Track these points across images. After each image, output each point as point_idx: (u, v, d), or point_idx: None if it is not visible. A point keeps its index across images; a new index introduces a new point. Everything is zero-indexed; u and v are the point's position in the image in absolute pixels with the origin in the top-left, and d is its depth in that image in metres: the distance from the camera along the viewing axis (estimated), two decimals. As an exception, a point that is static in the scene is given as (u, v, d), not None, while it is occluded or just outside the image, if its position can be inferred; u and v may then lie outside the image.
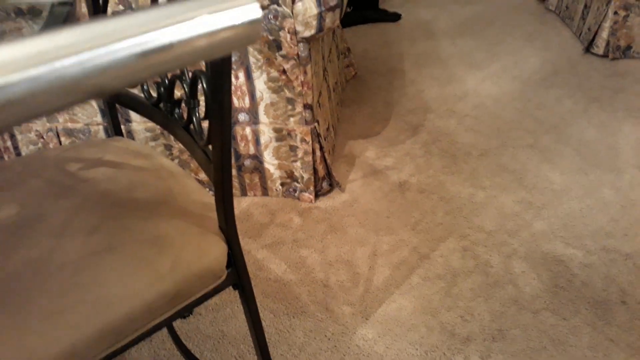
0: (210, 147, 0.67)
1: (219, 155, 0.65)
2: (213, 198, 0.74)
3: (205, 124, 0.64)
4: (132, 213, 0.72)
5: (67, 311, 0.62)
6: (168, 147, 1.61)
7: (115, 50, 0.16)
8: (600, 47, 2.35)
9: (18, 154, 1.69)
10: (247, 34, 0.18)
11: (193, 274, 0.69)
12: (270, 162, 1.62)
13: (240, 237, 1.54)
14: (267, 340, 1.25)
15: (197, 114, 0.72)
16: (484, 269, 1.40)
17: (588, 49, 2.41)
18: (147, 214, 0.72)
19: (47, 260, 0.66)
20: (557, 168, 1.72)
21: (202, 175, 1.66)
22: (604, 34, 2.32)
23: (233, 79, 1.45)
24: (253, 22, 0.18)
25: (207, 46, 0.17)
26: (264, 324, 1.30)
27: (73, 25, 0.16)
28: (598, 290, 1.32)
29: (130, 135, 1.60)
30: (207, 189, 1.61)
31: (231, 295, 1.39)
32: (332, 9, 1.31)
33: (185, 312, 0.74)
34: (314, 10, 1.28)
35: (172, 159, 1.62)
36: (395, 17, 3.00)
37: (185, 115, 0.74)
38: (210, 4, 0.17)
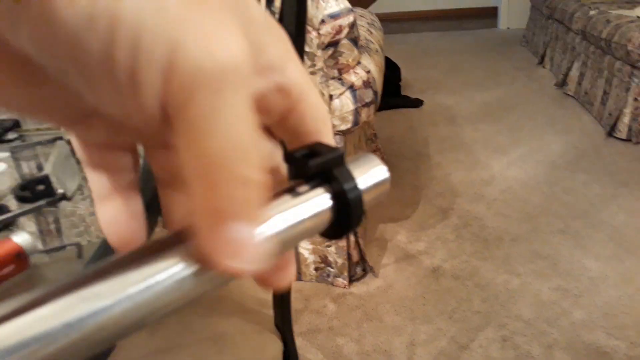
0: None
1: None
2: (267, 294, 0.76)
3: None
4: (192, 310, 0.74)
5: (132, 412, 0.63)
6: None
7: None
8: (623, 131, 2.40)
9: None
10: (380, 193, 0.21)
11: (252, 373, 0.69)
12: (304, 247, 1.64)
13: (274, 324, 1.54)
14: None
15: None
16: (525, 360, 1.37)
17: (610, 133, 2.46)
18: (207, 311, 0.74)
19: None
20: (591, 254, 1.71)
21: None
22: (626, 119, 2.37)
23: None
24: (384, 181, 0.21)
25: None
26: (301, 417, 1.27)
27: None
28: (647, 384, 1.28)
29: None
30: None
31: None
32: (367, 105, 1.38)
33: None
34: (350, 106, 1.35)
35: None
36: (417, 103, 3.11)
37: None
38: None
